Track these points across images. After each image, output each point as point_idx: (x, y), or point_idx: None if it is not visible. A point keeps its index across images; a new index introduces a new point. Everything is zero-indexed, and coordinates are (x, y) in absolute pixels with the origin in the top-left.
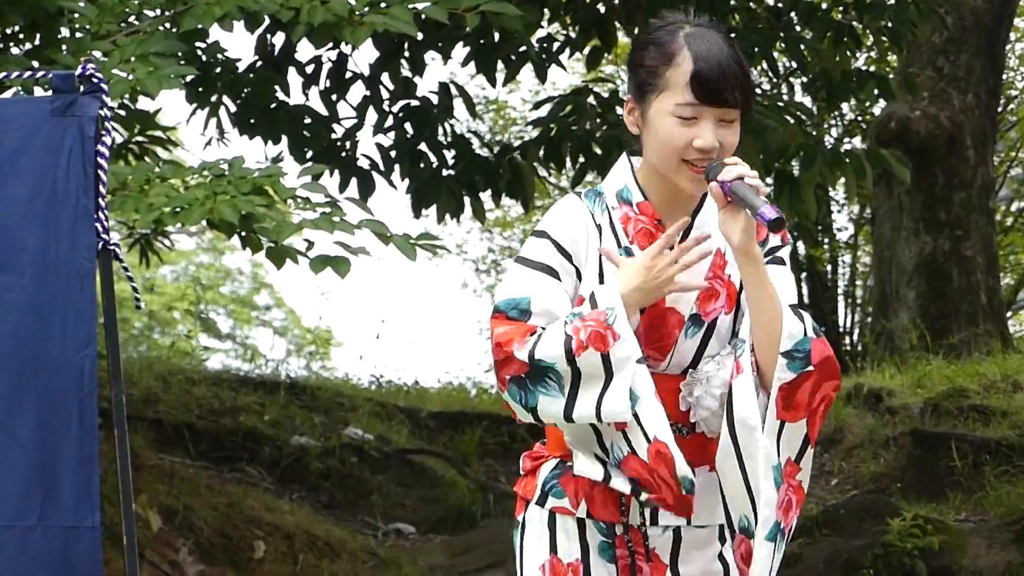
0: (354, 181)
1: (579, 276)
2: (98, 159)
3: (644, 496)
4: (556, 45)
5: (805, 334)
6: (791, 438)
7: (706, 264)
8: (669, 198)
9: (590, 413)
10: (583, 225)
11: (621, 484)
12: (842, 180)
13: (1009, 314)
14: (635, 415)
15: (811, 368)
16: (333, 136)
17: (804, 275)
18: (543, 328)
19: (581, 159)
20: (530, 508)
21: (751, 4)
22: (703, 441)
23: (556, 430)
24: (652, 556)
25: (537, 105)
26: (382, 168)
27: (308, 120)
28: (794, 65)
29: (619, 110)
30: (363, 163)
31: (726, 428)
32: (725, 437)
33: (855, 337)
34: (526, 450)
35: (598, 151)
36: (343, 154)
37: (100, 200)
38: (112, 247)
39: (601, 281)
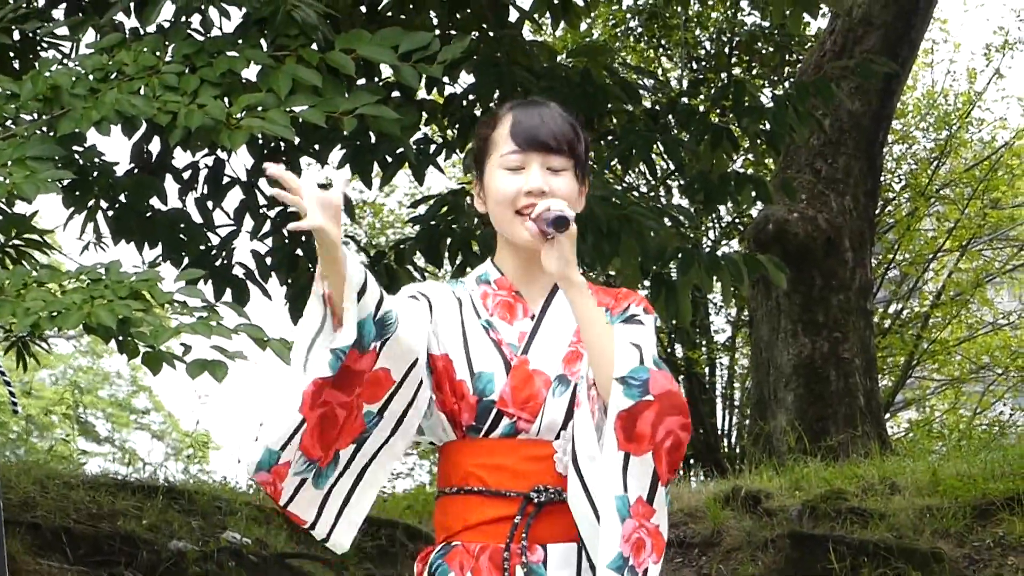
0: (229, 291)
1: (431, 314)
2: None
3: None
4: (433, 147)
5: (641, 362)
6: (639, 474)
7: (568, 333)
8: (525, 273)
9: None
10: (444, 293)
11: None
12: (719, 283)
13: (887, 416)
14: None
15: (651, 397)
16: (209, 244)
17: (682, 377)
18: None
19: (460, 257)
20: None
21: (629, 107)
22: (567, 509)
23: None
24: None
25: (415, 204)
26: (258, 275)
27: (184, 226)
28: (672, 167)
29: None
30: (238, 271)
31: (571, 463)
32: (571, 473)
33: (733, 439)
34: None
35: (477, 249)
36: (218, 263)
37: None
38: None
39: (465, 349)
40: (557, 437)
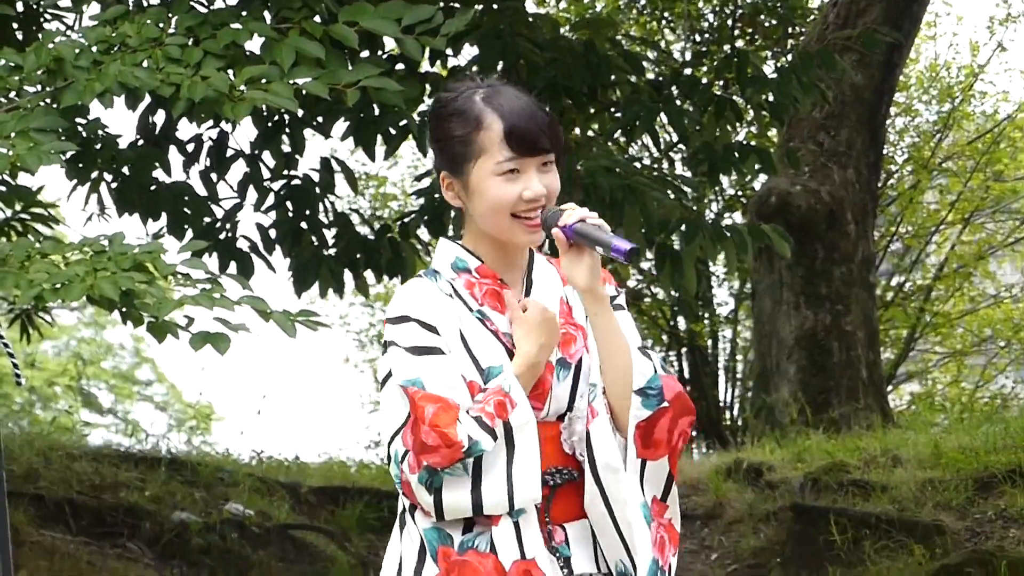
0: (233, 264)
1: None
2: None
3: None
4: None
5: (655, 371)
6: (653, 476)
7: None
8: (501, 258)
9: (501, 495)
10: (433, 297)
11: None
12: (722, 254)
13: (889, 389)
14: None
15: (666, 404)
16: (213, 217)
17: (684, 350)
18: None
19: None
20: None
21: (632, 78)
22: (580, 488)
23: None
24: None
25: (419, 177)
26: (262, 248)
27: (188, 199)
28: (675, 139)
29: None
30: (242, 244)
31: (590, 474)
32: (590, 483)
33: (735, 412)
34: None
35: None
36: (222, 235)
37: None
38: None
39: (467, 349)
40: (560, 419)
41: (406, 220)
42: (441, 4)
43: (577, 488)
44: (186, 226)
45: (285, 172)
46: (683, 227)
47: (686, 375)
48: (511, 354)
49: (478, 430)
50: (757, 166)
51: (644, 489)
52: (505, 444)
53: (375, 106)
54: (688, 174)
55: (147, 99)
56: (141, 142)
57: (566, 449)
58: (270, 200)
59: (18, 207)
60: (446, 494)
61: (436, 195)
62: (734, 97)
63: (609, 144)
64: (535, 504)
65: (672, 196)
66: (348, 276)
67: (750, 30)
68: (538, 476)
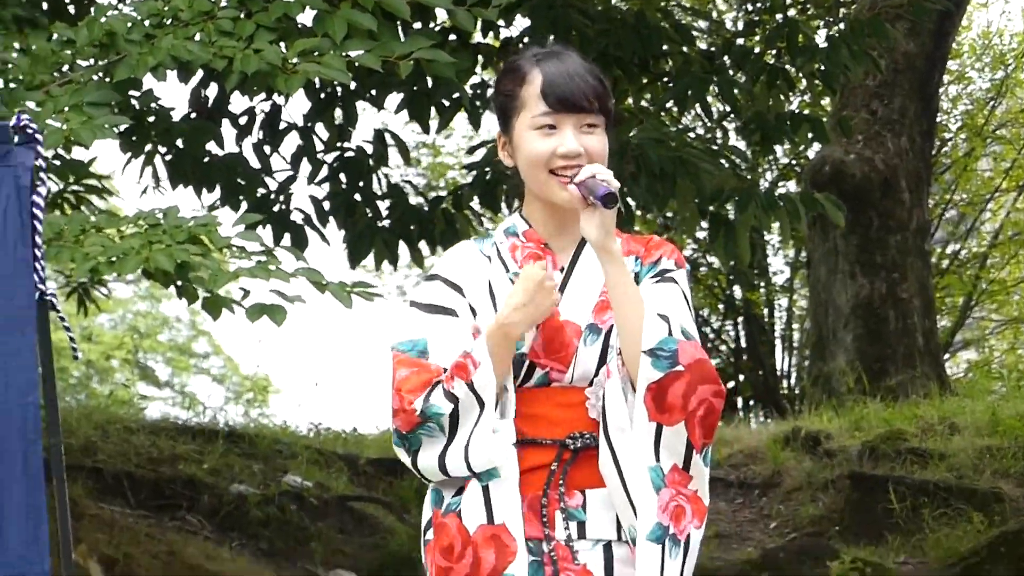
0: (287, 236)
1: (473, 310)
2: (34, 209)
3: None
4: (490, 92)
5: (670, 334)
6: (672, 444)
7: (598, 284)
8: (551, 222)
9: (459, 459)
10: (469, 258)
11: None
12: (777, 224)
13: (946, 356)
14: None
15: (680, 368)
16: (266, 189)
17: (741, 319)
18: (445, 371)
19: (517, 202)
20: None
21: (684, 49)
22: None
23: None
24: (584, 573)
25: (471, 150)
26: (315, 221)
27: (241, 171)
28: (728, 109)
29: None
30: (296, 217)
31: (602, 434)
32: (603, 443)
33: (792, 381)
34: None
35: None
36: (276, 208)
37: (37, 250)
38: (49, 297)
39: (494, 308)
40: (590, 384)
41: (459, 191)
42: None
43: (588, 458)
44: (240, 198)
45: (338, 144)
46: (736, 197)
47: (742, 344)
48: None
49: (439, 395)
50: (809, 135)
51: (661, 455)
52: (477, 405)
53: (428, 78)
54: (741, 144)
55: (200, 72)
56: (194, 115)
57: (592, 415)
58: (323, 172)
59: (72, 180)
60: (421, 455)
61: (487, 168)
62: (786, 67)
63: (661, 115)
64: (505, 468)
65: (725, 166)
66: (403, 248)
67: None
68: (495, 440)
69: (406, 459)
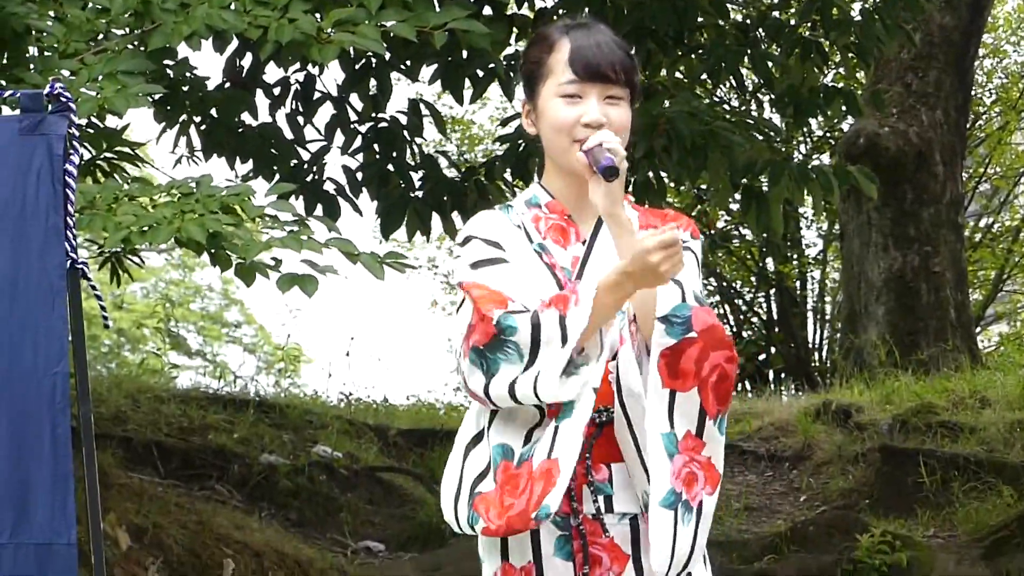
0: (320, 207)
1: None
2: (66, 177)
3: None
4: None
5: (683, 300)
6: (686, 410)
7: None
8: (573, 193)
9: (529, 379)
10: (503, 224)
11: None
12: (810, 196)
13: (978, 330)
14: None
15: (694, 334)
16: (300, 160)
17: (773, 291)
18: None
19: (537, 174)
20: None
21: (719, 21)
22: None
23: None
24: (611, 547)
25: (504, 122)
26: (348, 191)
27: (275, 141)
28: (762, 82)
29: None
30: (329, 187)
31: (617, 401)
32: (617, 410)
33: (824, 353)
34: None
35: None
36: (309, 178)
37: (69, 219)
38: (80, 265)
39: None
40: (614, 358)
41: (493, 163)
42: None
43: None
44: (273, 168)
45: (372, 115)
46: (769, 169)
47: (774, 316)
48: (562, 288)
49: (523, 317)
50: (843, 108)
51: (675, 422)
52: (560, 339)
53: (462, 49)
54: (775, 117)
55: (234, 42)
56: (228, 85)
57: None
58: (357, 143)
59: (105, 148)
60: (495, 381)
61: (520, 140)
62: (820, 40)
63: (696, 87)
64: (578, 409)
65: (759, 139)
66: (435, 219)
67: None
68: (569, 378)
69: (479, 384)
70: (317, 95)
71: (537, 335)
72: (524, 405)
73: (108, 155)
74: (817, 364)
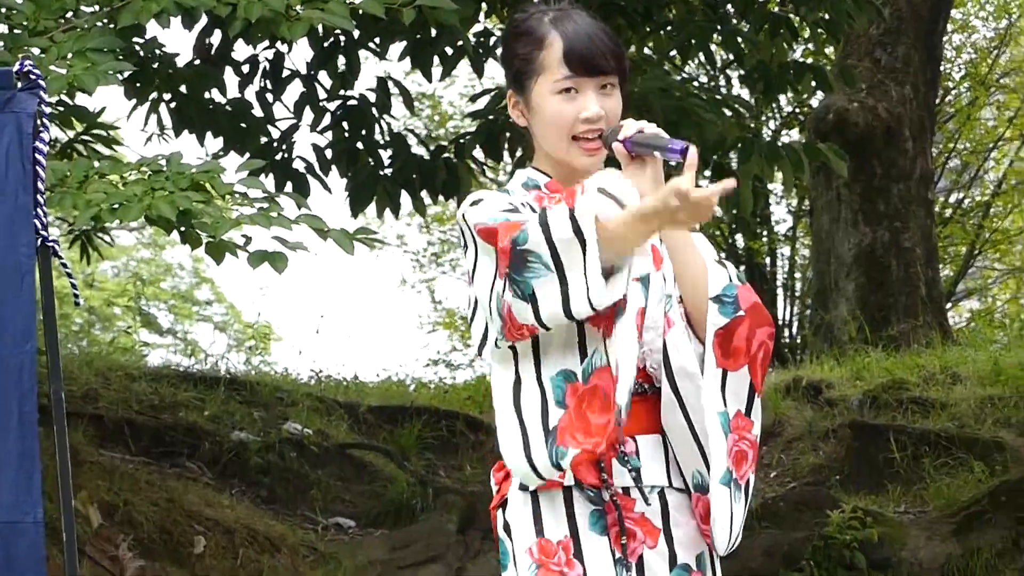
0: (289, 184)
1: None
2: (36, 155)
3: None
4: (493, 40)
5: (731, 280)
6: (736, 388)
7: None
8: (568, 179)
9: (582, 291)
10: (507, 199)
11: None
12: (780, 173)
13: (948, 306)
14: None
15: (742, 312)
16: (269, 137)
17: (743, 267)
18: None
19: (519, 151)
20: (512, 493)
21: None
22: (657, 403)
23: None
24: (643, 520)
25: (474, 98)
26: (318, 169)
27: (245, 118)
28: (731, 58)
29: None
30: (298, 165)
31: (667, 384)
32: (667, 392)
33: (794, 329)
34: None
35: None
36: (278, 156)
37: (39, 196)
38: (51, 243)
39: None
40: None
41: (462, 140)
42: None
43: (647, 401)
44: (243, 146)
45: (341, 92)
46: (739, 146)
47: None
48: None
49: (532, 223)
50: (812, 84)
51: (727, 401)
52: (576, 239)
53: (431, 26)
54: (744, 93)
55: (204, 19)
56: (197, 62)
57: (642, 365)
58: (326, 120)
59: (80, 128)
60: (542, 304)
61: (491, 116)
62: (789, 15)
63: (664, 64)
64: (629, 311)
65: (728, 115)
66: (405, 197)
67: None
68: (611, 280)
69: (529, 316)
70: (286, 73)
71: (548, 233)
72: (578, 320)
73: (85, 138)
74: (787, 340)
